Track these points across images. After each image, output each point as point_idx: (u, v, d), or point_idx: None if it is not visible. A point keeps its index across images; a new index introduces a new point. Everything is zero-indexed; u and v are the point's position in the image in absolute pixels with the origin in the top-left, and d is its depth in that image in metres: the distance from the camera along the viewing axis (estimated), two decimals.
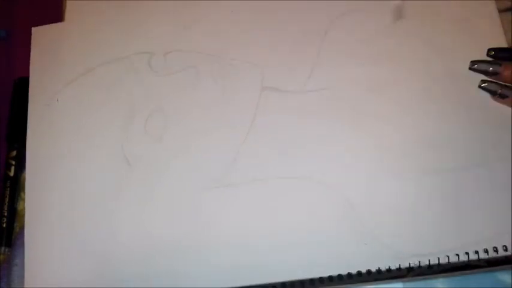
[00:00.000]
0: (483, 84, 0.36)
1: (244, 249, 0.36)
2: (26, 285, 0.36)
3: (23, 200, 0.40)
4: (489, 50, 0.36)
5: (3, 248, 0.39)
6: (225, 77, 0.40)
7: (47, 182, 0.39)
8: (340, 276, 0.34)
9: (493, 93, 0.36)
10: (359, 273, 0.34)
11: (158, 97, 0.41)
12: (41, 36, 0.44)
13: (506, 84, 0.36)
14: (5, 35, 0.46)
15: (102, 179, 0.39)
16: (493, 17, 0.38)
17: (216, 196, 0.37)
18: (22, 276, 0.38)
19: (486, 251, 0.33)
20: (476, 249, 0.33)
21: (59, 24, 0.44)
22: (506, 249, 0.33)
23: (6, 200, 0.40)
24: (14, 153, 0.41)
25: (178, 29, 0.42)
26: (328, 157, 0.37)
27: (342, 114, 0.38)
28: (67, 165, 0.40)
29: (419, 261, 0.34)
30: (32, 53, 0.43)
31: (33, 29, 0.44)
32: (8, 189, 0.40)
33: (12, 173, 0.40)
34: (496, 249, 0.33)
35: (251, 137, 0.38)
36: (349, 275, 0.34)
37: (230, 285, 0.35)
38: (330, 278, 0.34)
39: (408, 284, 0.35)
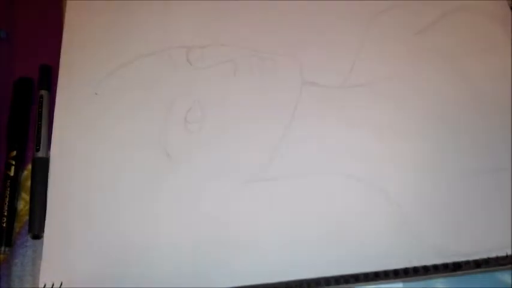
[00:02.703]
0: None
1: (284, 245, 0.35)
2: (41, 279, 0.36)
3: (23, 200, 0.40)
4: None
5: (3, 248, 0.38)
6: (263, 71, 0.40)
7: (74, 174, 0.39)
8: (343, 276, 0.34)
9: None
10: (361, 273, 0.34)
11: (195, 90, 0.40)
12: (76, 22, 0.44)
13: None
14: (5, 35, 0.45)
15: (142, 171, 0.38)
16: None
17: (255, 190, 0.37)
18: (22, 276, 0.38)
19: (486, 251, 0.33)
20: (476, 249, 0.34)
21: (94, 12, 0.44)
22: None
23: (6, 200, 0.39)
24: (14, 153, 0.41)
25: (216, 24, 0.42)
26: (368, 154, 0.37)
27: (382, 110, 0.37)
28: (101, 156, 0.39)
29: (419, 262, 0.34)
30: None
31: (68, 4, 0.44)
32: (8, 189, 0.40)
33: (12, 173, 0.40)
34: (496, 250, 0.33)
35: (290, 132, 0.38)
36: (351, 275, 0.34)
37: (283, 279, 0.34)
38: (333, 278, 0.34)
39: (408, 284, 0.35)
